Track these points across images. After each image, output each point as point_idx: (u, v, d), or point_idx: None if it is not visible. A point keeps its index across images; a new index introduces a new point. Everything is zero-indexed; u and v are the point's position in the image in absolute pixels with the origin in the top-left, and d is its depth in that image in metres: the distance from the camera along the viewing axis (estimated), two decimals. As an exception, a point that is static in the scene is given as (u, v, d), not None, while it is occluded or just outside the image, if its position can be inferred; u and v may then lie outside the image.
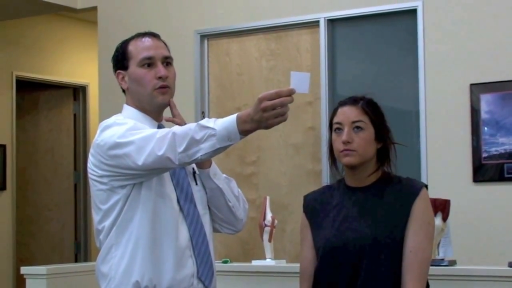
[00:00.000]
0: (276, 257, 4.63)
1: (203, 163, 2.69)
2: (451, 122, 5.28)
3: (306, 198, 2.90)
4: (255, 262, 4.59)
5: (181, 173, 2.69)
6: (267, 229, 4.47)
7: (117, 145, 2.52)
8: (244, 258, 5.72)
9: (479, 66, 5.23)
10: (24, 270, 4.81)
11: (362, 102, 2.76)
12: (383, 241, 2.64)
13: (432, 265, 2.92)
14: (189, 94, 6.10)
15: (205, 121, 2.40)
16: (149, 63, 2.68)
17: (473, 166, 5.18)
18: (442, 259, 4.01)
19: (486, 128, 5.16)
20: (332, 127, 2.78)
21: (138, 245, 2.58)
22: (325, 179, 5.48)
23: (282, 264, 4.53)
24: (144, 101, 2.69)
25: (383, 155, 2.77)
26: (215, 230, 2.80)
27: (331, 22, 5.75)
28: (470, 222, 5.11)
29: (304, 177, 5.78)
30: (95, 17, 6.81)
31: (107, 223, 2.62)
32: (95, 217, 2.66)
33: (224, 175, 2.78)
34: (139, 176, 2.54)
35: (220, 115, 5.57)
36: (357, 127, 2.72)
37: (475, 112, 5.20)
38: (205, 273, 2.66)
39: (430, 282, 2.75)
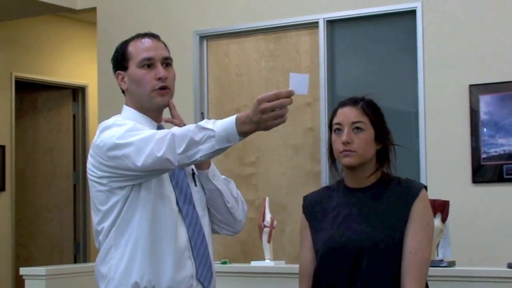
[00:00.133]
0: (275, 258, 4.63)
1: (202, 164, 2.69)
2: (450, 123, 5.27)
3: (305, 198, 2.89)
4: (254, 263, 4.59)
5: (180, 174, 2.69)
6: (266, 229, 4.47)
7: (117, 146, 2.52)
8: (243, 259, 5.72)
9: (479, 67, 5.23)
10: (23, 271, 4.81)
11: (362, 103, 2.76)
12: (382, 242, 2.64)
13: (431, 266, 2.91)
14: (188, 95, 6.09)
15: (204, 122, 2.40)
16: (148, 64, 2.67)
17: (472, 167, 5.18)
18: (441, 260, 4.01)
19: (485, 129, 5.16)
20: (332, 127, 2.78)
21: (137, 246, 2.58)
22: (324, 180, 5.48)
23: (281, 265, 4.53)
24: (143, 101, 2.69)
25: (382, 156, 2.77)
26: (214, 231, 2.80)
27: (330, 23, 5.75)
28: (469, 223, 5.11)
29: (303, 178, 5.78)
30: (94, 18, 6.80)
31: (106, 224, 2.62)
32: (94, 218, 2.66)
33: (223, 176, 2.78)
34: (138, 177, 2.54)
35: (219, 116, 5.57)
36: (357, 128, 2.72)
37: (474, 113, 5.19)
38: (204, 274, 2.66)
39: (429, 283, 2.75)
